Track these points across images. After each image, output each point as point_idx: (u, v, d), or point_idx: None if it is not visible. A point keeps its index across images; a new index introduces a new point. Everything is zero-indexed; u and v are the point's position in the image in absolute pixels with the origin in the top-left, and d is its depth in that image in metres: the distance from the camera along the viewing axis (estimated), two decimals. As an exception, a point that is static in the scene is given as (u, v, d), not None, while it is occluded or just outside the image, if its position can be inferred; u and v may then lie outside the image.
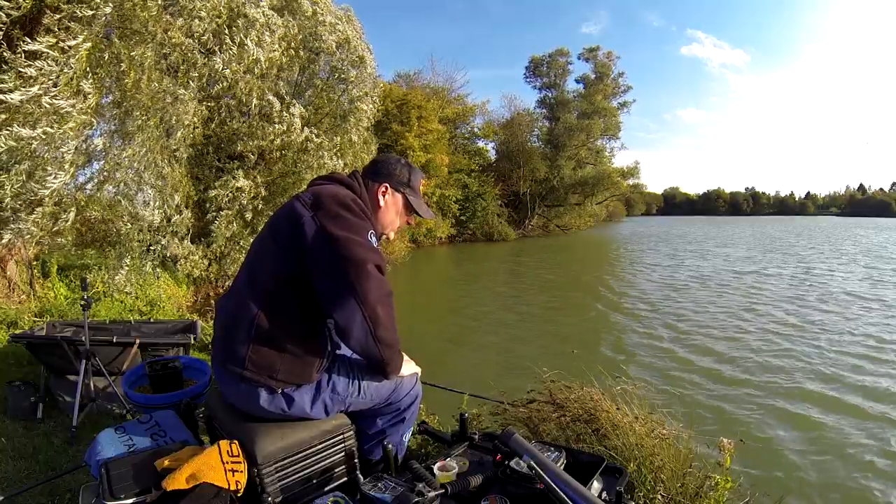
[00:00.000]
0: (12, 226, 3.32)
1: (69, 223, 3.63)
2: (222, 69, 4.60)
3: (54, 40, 2.99)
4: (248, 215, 6.27)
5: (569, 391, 2.04)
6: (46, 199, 3.29)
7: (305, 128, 6.07)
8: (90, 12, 3.07)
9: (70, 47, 3.03)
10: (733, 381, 4.96)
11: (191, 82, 4.27)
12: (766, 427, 3.94)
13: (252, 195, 6.21)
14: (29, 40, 2.91)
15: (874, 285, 10.52)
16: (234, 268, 6.27)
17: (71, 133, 3.15)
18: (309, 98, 6.84)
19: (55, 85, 3.01)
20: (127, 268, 4.68)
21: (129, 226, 4.43)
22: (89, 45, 3.14)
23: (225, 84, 4.93)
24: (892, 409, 4.28)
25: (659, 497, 1.59)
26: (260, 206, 6.31)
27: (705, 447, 1.87)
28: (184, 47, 4.07)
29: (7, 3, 2.87)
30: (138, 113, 3.82)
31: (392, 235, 1.54)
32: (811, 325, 7.09)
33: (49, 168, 3.16)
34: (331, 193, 1.29)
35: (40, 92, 2.92)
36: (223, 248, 6.27)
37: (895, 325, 7.06)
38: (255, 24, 4.83)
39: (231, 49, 4.61)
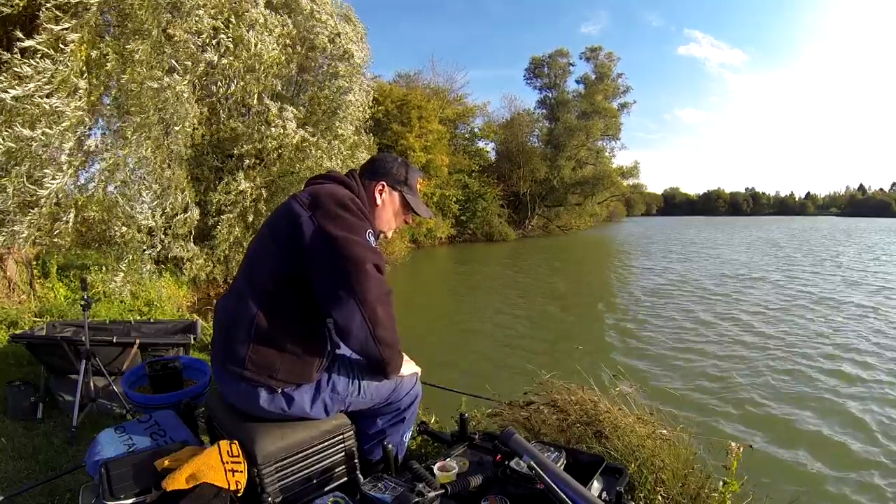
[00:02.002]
0: (5, 229, 3.32)
1: (70, 224, 3.62)
2: (219, 61, 4.60)
3: (47, 37, 2.98)
4: (250, 217, 6.28)
5: (568, 393, 2.03)
6: (44, 200, 3.28)
7: (300, 128, 6.08)
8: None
9: (60, 37, 3.02)
10: (731, 384, 4.95)
11: (189, 77, 4.26)
12: (766, 430, 3.94)
13: (253, 197, 6.22)
14: (23, 39, 2.91)
15: (877, 292, 10.47)
16: (236, 269, 6.28)
17: (68, 134, 3.14)
18: (308, 96, 6.87)
19: (50, 82, 3.00)
20: (123, 272, 4.69)
21: (127, 228, 4.42)
22: (78, 35, 3.12)
23: (224, 82, 4.94)
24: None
25: (659, 498, 1.59)
26: (262, 208, 6.33)
27: (707, 450, 1.86)
28: (183, 44, 4.07)
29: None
30: (137, 110, 3.82)
31: (390, 234, 1.54)
32: (810, 332, 7.03)
33: (48, 170, 3.15)
34: (328, 192, 1.28)
35: (35, 89, 2.92)
36: (226, 251, 6.28)
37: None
38: (255, 24, 4.84)
39: (228, 44, 4.61)
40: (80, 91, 3.19)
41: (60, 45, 3.06)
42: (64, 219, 3.60)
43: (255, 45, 4.86)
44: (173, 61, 4.09)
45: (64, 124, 3.11)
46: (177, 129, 4.36)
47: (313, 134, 6.24)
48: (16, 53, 2.93)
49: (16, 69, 2.90)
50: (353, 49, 6.55)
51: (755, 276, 12.09)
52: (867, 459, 3.54)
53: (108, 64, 3.44)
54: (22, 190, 3.16)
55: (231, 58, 4.75)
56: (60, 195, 3.81)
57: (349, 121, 6.91)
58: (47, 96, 3.00)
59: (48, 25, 3.00)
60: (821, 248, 21.02)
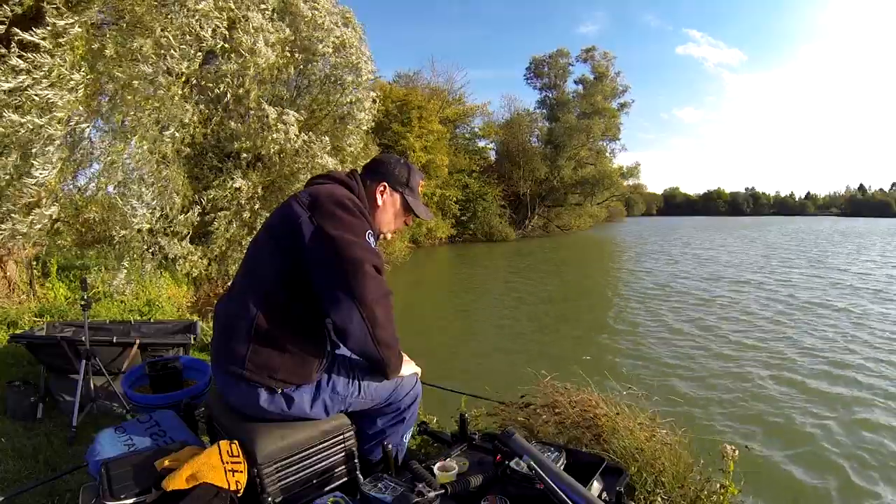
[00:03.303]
0: (5, 226, 3.31)
1: (46, 220, 3.59)
2: (217, 63, 4.61)
3: (49, 31, 2.99)
4: (246, 215, 6.27)
5: (567, 394, 2.03)
6: (45, 200, 3.28)
7: (302, 132, 6.06)
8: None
9: (63, 31, 3.02)
10: (735, 387, 4.94)
11: (184, 74, 4.25)
12: (766, 431, 3.94)
13: (250, 195, 6.21)
14: (21, 33, 2.91)
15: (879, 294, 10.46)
16: (234, 268, 6.28)
17: (59, 127, 3.13)
18: (309, 100, 6.85)
19: (47, 76, 3.01)
20: (126, 269, 4.68)
21: (127, 229, 4.42)
22: (81, 30, 3.13)
23: (224, 85, 4.93)
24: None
25: (659, 500, 1.59)
26: (257, 207, 6.32)
27: (707, 453, 1.86)
28: (179, 44, 4.05)
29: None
30: (135, 110, 3.81)
31: (390, 235, 1.54)
32: (811, 337, 6.98)
33: (35, 161, 3.14)
34: (328, 193, 1.28)
35: (32, 81, 2.92)
36: (222, 248, 6.28)
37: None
38: (249, 27, 4.84)
39: (224, 46, 4.61)
40: (75, 84, 3.18)
41: (59, 41, 3.06)
42: (39, 214, 3.55)
43: (253, 49, 4.85)
44: (170, 58, 4.08)
45: (57, 114, 3.10)
46: (172, 129, 4.35)
47: (312, 141, 6.23)
48: (13, 48, 2.93)
49: (12, 63, 2.90)
50: (361, 64, 6.54)
51: (751, 280, 12.04)
52: (864, 460, 3.55)
53: (107, 61, 3.43)
54: (12, 182, 3.14)
55: (229, 61, 4.75)
56: (60, 195, 3.81)
57: (358, 135, 6.90)
58: (42, 88, 2.99)
59: (51, 20, 3.00)
60: (818, 250, 20.89)
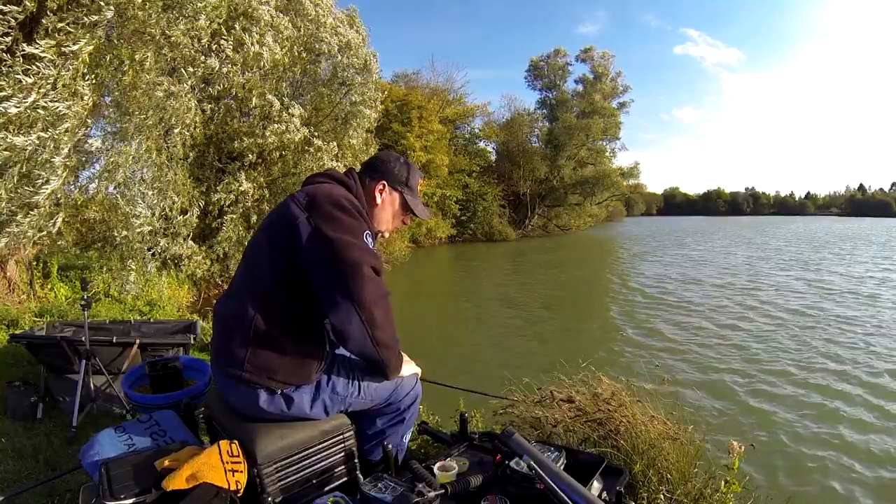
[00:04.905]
0: (8, 230, 3.31)
1: (59, 225, 3.60)
2: (219, 68, 4.61)
3: (53, 43, 2.98)
4: (253, 218, 6.28)
5: (597, 383, 2.02)
6: (43, 201, 3.28)
7: (304, 127, 6.07)
8: (94, 17, 3.08)
9: (72, 52, 3.03)
10: (742, 385, 4.94)
11: (189, 80, 4.26)
12: (776, 432, 3.92)
13: (255, 197, 6.22)
14: (26, 46, 2.91)
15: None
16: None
17: (65, 138, 3.13)
18: (311, 99, 6.85)
19: (53, 88, 3.00)
20: (134, 271, 4.69)
21: (129, 230, 4.42)
22: (91, 48, 3.14)
23: (226, 84, 4.93)
24: None
25: (661, 497, 1.59)
26: (265, 209, 6.33)
27: (713, 448, 1.86)
28: (182, 46, 4.05)
29: (15, 8, 2.87)
30: (137, 112, 3.81)
31: (388, 234, 1.53)
32: (816, 339, 6.91)
33: (43, 172, 3.14)
34: (325, 194, 1.27)
35: (38, 97, 2.92)
36: (227, 249, 6.29)
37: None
38: (259, 22, 4.83)
39: (228, 48, 4.61)
40: (84, 94, 3.18)
41: (64, 51, 3.06)
42: (53, 220, 3.56)
43: (257, 46, 4.85)
44: (172, 61, 4.08)
45: (65, 125, 3.10)
46: (176, 130, 4.35)
47: (317, 136, 6.23)
48: (18, 58, 2.93)
49: (17, 76, 2.89)
50: (370, 62, 6.55)
51: (745, 282, 11.97)
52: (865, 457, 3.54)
53: (110, 66, 3.43)
54: (15, 194, 3.15)
55: (231, 64, 4.76)
56: (60, 196, 3.81)
57: (361, 131, 6.91)
58: (50, 101, 2.99)
59: (58, 37, 2.99)
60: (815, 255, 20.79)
